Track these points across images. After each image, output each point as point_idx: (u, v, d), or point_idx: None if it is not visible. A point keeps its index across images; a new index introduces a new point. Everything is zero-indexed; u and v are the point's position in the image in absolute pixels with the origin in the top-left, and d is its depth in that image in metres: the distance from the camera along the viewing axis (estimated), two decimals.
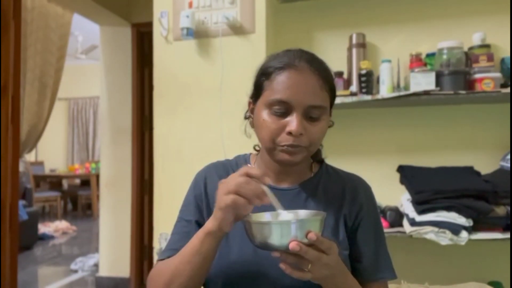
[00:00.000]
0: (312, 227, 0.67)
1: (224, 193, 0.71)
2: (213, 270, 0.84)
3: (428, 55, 1.83)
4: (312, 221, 0.70)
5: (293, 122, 0.80)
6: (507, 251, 1.73)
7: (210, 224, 0.75)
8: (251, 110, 0.91)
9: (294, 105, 0.80)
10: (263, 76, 0.86)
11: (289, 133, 0.80)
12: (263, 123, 0.83)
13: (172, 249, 0.87)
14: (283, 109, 0.81)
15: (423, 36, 1.92)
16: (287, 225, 0.67)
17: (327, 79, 0.84)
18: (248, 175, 0.71)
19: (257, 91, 0.88)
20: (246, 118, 0.95)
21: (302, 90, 0.80)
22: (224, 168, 0.96)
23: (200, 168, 0.99)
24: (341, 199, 0.90)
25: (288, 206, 0.78)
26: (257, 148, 0.98)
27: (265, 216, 0.78)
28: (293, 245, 0.65)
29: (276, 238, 0.67)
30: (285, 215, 0.74)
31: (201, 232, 0.76)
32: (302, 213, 0.78)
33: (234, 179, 0.71)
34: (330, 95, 0.86)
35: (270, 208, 0.75)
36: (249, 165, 0.73)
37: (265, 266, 0.82)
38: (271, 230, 0.68)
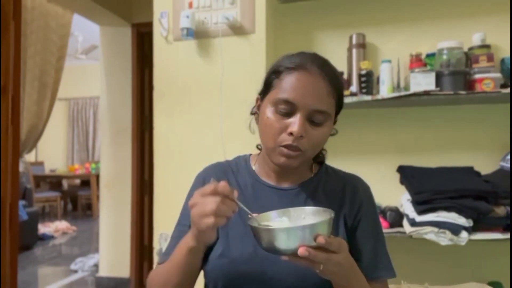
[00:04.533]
0: (320, 230, 0.66)
1: (201, 215, 0.70)
2: (214, 270, 0.84)
3: (428, 55, 1.83)
4: (320, 224, 0.67)
5: (295, 123, 0.80)
6: (507, 251, 1.73)
7: (191, 241, 0.77)
8: (258, 106, 0.92)
9: (299, 106, 0.81)
10: (273, 74, 0.87)
11: (290, 134, 0.81)
12: (267, 121, 0.84)
13: (169, 253, 0.88)
14: (288, 109, 0.82)
15: (423, 36, 1.92)
16: (294, 231, 0.65)
17: (336, 87, 0.85)
18: (217, 193, 0.70)
19: (266, 88, 0.88)
20: (252, 113, 0.95)
21: (309, 93, 0.81)
22: (222, 170, 0.96)
23: (200, 168, 0.99)
24: (341, 198, 0.90)
25: (288, 206, 0.79)
26: (259, 147, 0.99)
27: (271, 216, 0.77)
28: (301, 251, 0.65)
29: (283, 243, 0.66)
30: (294, 211, 0.76)
31: (184, 248, 0.79)
32: (309, 209, 0.77)
33: (210, 202, 0.69)
34: (337, 103, 0.87)
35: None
36: (213, 179, 0.73)
37: (267, 265, 0.82)
38: (277, 236, 0.66)
